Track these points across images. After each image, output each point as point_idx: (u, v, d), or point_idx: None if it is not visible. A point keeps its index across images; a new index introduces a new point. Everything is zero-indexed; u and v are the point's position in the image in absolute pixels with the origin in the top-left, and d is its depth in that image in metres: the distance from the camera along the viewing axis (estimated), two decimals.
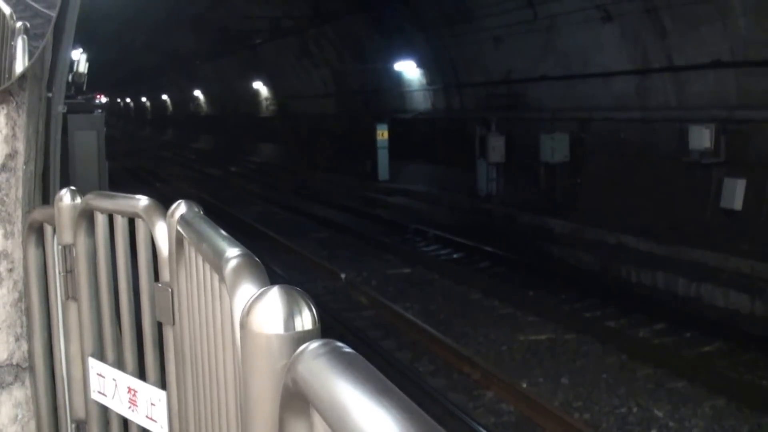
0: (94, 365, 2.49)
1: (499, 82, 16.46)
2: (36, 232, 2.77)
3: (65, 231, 2.59)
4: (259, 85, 31.89)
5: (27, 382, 2.84)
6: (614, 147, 13.19)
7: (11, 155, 2.82)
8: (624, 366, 7.85)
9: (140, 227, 2.21)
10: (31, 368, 2.82)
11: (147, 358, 2.27)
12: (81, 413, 2.63)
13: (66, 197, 2.58)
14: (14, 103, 2.83)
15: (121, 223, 2.32)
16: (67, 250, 2.59)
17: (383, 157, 20.86)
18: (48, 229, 2.70)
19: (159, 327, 2.18)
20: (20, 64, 2.71)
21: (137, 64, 43.95)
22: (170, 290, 2.01)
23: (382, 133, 20.82)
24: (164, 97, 51.16)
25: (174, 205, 1.93)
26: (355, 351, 0.84)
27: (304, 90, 27.50)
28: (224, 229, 1.63)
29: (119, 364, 2.43)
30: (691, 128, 11.00)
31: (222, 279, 1.38)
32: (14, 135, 2.83)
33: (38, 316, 2.78)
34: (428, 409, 5.34)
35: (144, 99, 58.46)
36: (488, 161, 16.14)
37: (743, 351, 8.06)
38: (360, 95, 23.54)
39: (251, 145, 33.11)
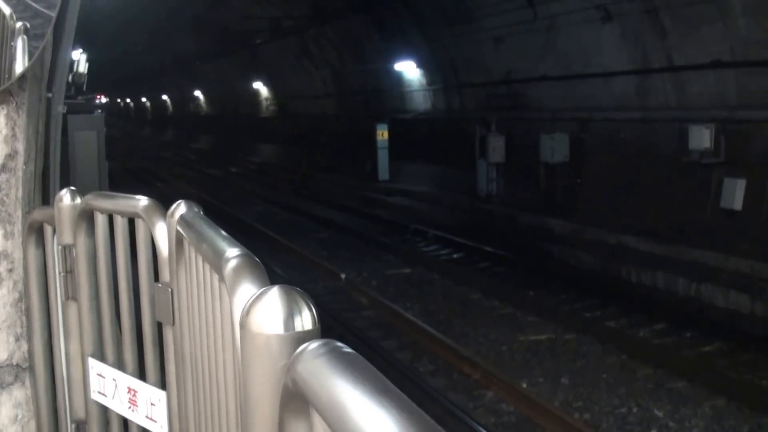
0: (94, 365, 2.49)
1: (499, 83, 16.47)
2: (36, 232, 2.77)
3: (65, 231, 2.59)
4: (259, 86, 31.90)
5: (27, 383, 2.84)
6: (614, 147, 13.19)
7: (11, 155, 2.82)
8: (624, 366, 7.84)
9: (140, 227, 2.21)
10: (31, 368, 2.82)
11: (147, 359, 2.27)
12: (81, 413, 2.63)
13: (66, 197, 2.58)
14: (14, 104, 2.83)
15: (121, 224, 2.32)
16: (67, 250, 2.59)
17: (383, 158, 20.86)
18: (48, 229, 2.70)
19: (159, 327, 2.18)
20: (20, 65, 2.71)
21: (137, 65, 43.98)
22: (170, 290, 2.01)
23: (382, 134, 20.81)
24: (164, 97, 51.16)
25: (174, 206, 1.93)
26: (354, 351, 0.84)
27: (304, 90, 27.50)
28: (224, 229, 1.63)
29: (119, 365, 2.42)
30: (691, 128, 11.00)
31: (222, 279, 1.38)
32: (14, 135, 2.83)
33: (38, 317, 2.78)
34: (428, 409, 5.34)
35: (144, 99, 58.46)
36: (488, 161, 16.14)
37: (743, 351, 8.06)
38: (360, 95, 23.54)
39: (251, 145, 33.09)
